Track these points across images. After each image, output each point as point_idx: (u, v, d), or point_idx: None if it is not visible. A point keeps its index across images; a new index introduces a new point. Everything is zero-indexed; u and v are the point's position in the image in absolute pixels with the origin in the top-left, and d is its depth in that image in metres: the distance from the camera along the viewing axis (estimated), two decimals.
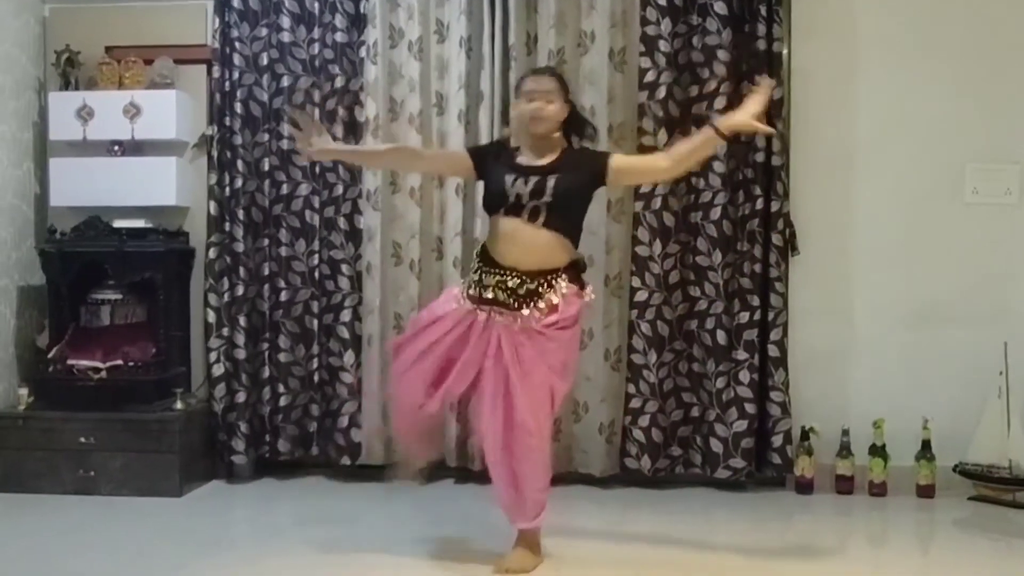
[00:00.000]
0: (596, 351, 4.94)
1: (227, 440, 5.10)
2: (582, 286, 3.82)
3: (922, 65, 4.99)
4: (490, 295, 3.71)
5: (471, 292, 3.78)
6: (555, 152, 3.82)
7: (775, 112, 4.84)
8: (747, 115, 3.65)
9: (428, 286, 5.01)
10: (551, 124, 3.81)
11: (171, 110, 5.11)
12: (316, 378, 5.11)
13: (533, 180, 3.71)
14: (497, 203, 3.76)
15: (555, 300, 3.69)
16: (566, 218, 3.75)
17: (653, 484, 5.00)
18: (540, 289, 3.69)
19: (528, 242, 3.70)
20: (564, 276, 3.74)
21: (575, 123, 3.91)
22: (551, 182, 3.69)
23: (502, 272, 3.72)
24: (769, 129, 3.75)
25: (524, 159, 3.83)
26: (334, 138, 5.01)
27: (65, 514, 4.55)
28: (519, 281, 3.69)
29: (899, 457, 4.88)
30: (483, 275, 3.75)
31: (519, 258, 3.71)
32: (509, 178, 3.73)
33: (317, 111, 5.01)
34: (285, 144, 5.09)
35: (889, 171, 5.01)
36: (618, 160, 3.85)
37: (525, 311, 3.67)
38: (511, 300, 3.68)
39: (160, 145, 5.18)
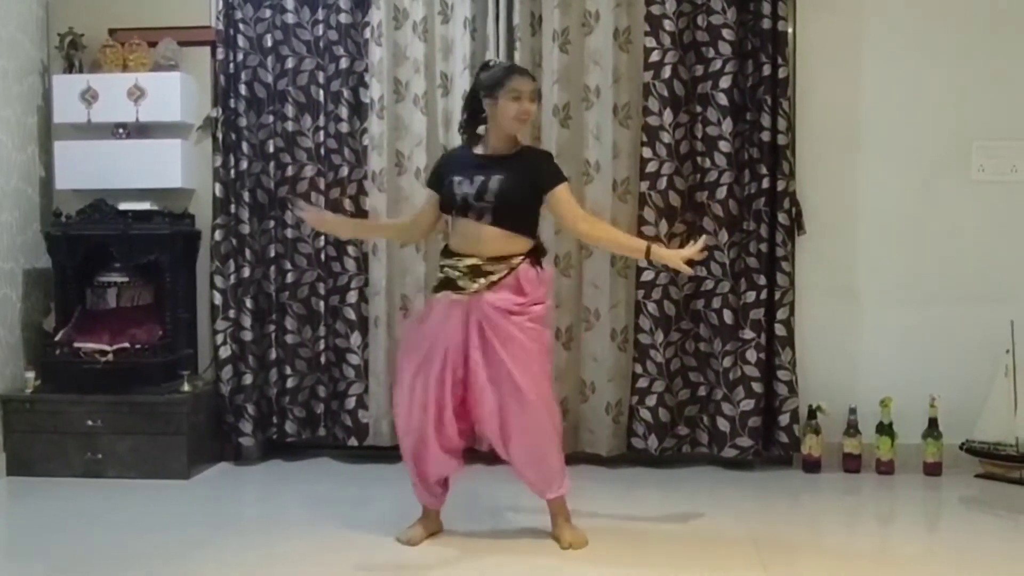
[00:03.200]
0: (603, 331, 4.94)
1: (234, 422, 5.11)
2: (539, 265, 3.88)
3: (927, 43, 4.97)
4: (461, 284, 3.75)
5: (440, 286, 3.83)
6: (512, 148, 3.86)
7: (781, 91, 4.84)
8: (678, 258, 3.76)
9: (434, 267, 4.96)
10: (526, 124, 3.88)
11: (175, 92, 5.10)
12: (323, 360, 5.12)
13: (478, 180, 3.77)
14: (449, 204, 3.84)
15: (521, 282, 3.76)
16: (511, 215, 3.78)
17: (660, 463, 5.01)
18: (504, 272, 3.74)
19: (477, 235, 3.76)
20: (526, 260, 3.80)
21: None
22: (493, 184, 3.75)
23: (462, 256, 3.79)
24: (688, 270, 3.83)
25: (478, 150, 3.88)
26: (338, 119, 5.05)
27: (73, 497, 4.57)
28: (478, 264, 3.74)
29: (906, 435, 4.88)
30: (448, 269, 3.81)
31: (476, 249, 3.77)
32: (456, 179, 3.81)
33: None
34: (290, 126, 5.09)
35: (895, 149, 5.00)
36: (559, 193, 3.82)
37: (495, 294, 3.73)
38: (478, 282, 3.73)
39: (165, 127, 5.17)
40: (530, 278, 3.79)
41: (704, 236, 3.88)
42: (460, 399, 3.82)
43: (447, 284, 3.80)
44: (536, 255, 3.86)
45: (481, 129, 3.91)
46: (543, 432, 3.78)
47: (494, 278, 3.73)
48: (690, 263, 3.83)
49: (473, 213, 3.76)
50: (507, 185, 3.75)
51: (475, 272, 3.74)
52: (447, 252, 3.87)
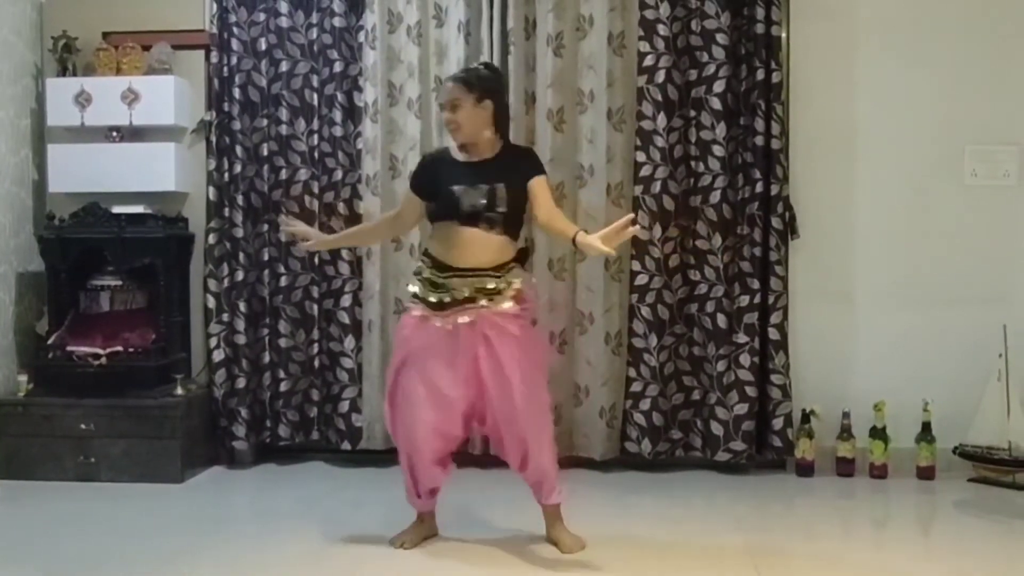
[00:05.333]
0: (597, 335, 4.94)
1: (228, 426, 5.11)
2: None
3: (921, 47, 4.98)
4: (459, 295, 3.73)
5: (431, 300, 3.78)
6: (492, 151, 3.85)
7: (774, 96, 4.85)
8: (600, 244, 3.55)
9: None
10: (467, 130, 3.80)
11: (169, 96, 5.10)
12: (316, 363, 5.12)
13: (484, 189, 3.74)
14: (450, 213, 3.77)
15: (519, 287, 3.78)
16: (516, 222, 3.83)
17: (654, 467, 5.01)
18: (502, 282, 3.75)
19: (475, 244, 3.75)
20: (517, 265, 3.84)
21: (501, 120, 3.88)
22: (501, 192, 3.74)
23: (462, 273, 3.75)
24: (612, 253, 3.67)
25: (465, 158, 3.86)
26: (332, 123, 5.04)
27: (66, 501, 4.55)
28: (479, 279, 3.73)
29: (899, 439, 4.89)
30: (437, 279, 3.78)
31: (474, 260, 3.75)
32: (458, 188, 3.76)
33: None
34: (284, 129, 5.09)
35: (888, 154, 5.01)
36: (536, 184, 3.81)
37: (505, 304, 3.73)
38: (481, 296, 3.73)
39: (159, 131, 5.17)
40: (528, 285, 3.84)
41: (631, 217, 3.66)
42: (467, 410, 3.82)
43: (441, 298, 3.76)
44: (524, 258, 3.90)
45: None
46: (548, 433, 3.82)
47: (497, 288, 3.73)
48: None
49: (484, 223, 3.73)
50: (510, 192, 3.75)
51: (480, 288, 3.72)
52: (440, 265, 3.79)
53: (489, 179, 3.76)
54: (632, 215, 3.70)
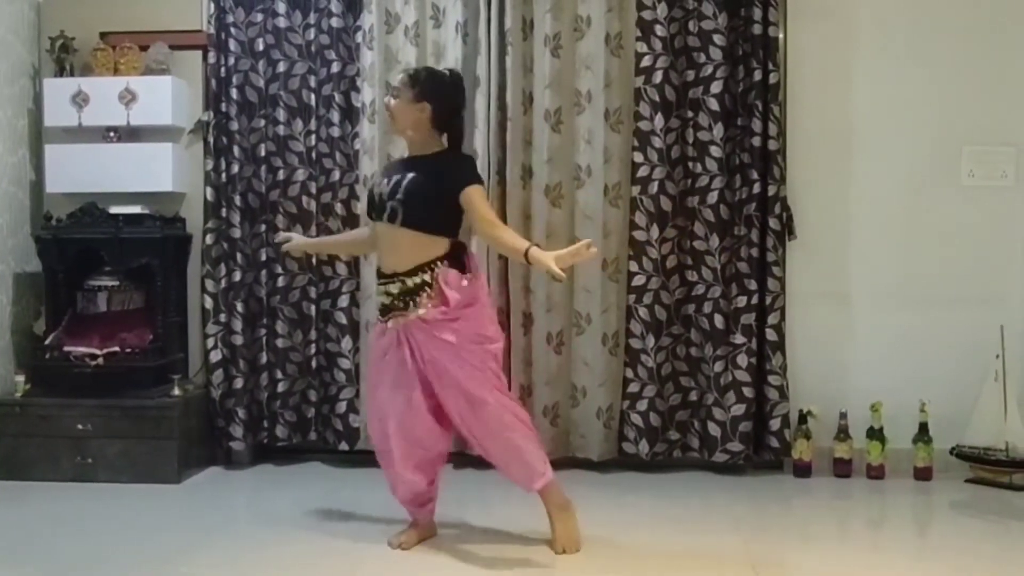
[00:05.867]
0: (594, 336, 4.94)
1: (225, 426, 5.10)
2: (462, 269, 3.79)
3: (918, 48, 4.99)
4: (387, 301, 3.77)
5: (381, 309, 3.85)
6: (429, 152, 3.84)
7: (772, 96, 4.85)
8: (553, 264, 3.49)
9: None
10: (399, 123, 3.83)
11: (167, 96, 5.09)
12: (314, 364, 5.11)
13: (394, 179, 3.77)
14: (370, 206, 3.85)
15: (443, 290, 3.71)
16: (422, 216, 3.73)
17: (651, 468, 5.01)
18: (422, 285, 3.72)
19: (393, 243, 3.76)
20: (444, 263, 3.75)
21: (445, 127, 3.85)
22: (404, 181, 3.74)
23: (387, 280, 3.78)
24: (561, 276, 3.56)
25: (401, 155, 3.93)
26: (329, 124, 5.05)
27: (63, 501, 4.55)
28: (401, 284, 3.74)
29: (897, 440, 4.89)
30: (381, 294, 3.83)
31: (395, 262, 3.77)
32: (377, 181, 3.85)
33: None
34: (281, 130, 5.09)
35: (886, 154, 5.01)
36: (470, 194, 3.72)
37: (420, 310, 3.71)
38: (401, 303, 3.74)
39: (156, 131, 5.16)
40: (450, 281, 3.72)
41: (589, 241, 3.60)
42: (434, 410, 3.82)
43: (384, 309, 3.81)
44: (457, 257, 3.81)
45: None
46: (509, 429, 3.76)
47: (418, 295, 3.72)
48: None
49: (387, 214, 3.74)
50: (416, 183, 3.72)
51: (403, 294, 3.73)
52: (378, 273, 3.86)
53: (404, 172, 3.78)
54: (590, 240, 3.61)
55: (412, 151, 3.88)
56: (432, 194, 3.73)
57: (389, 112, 3.87)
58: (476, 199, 3.73)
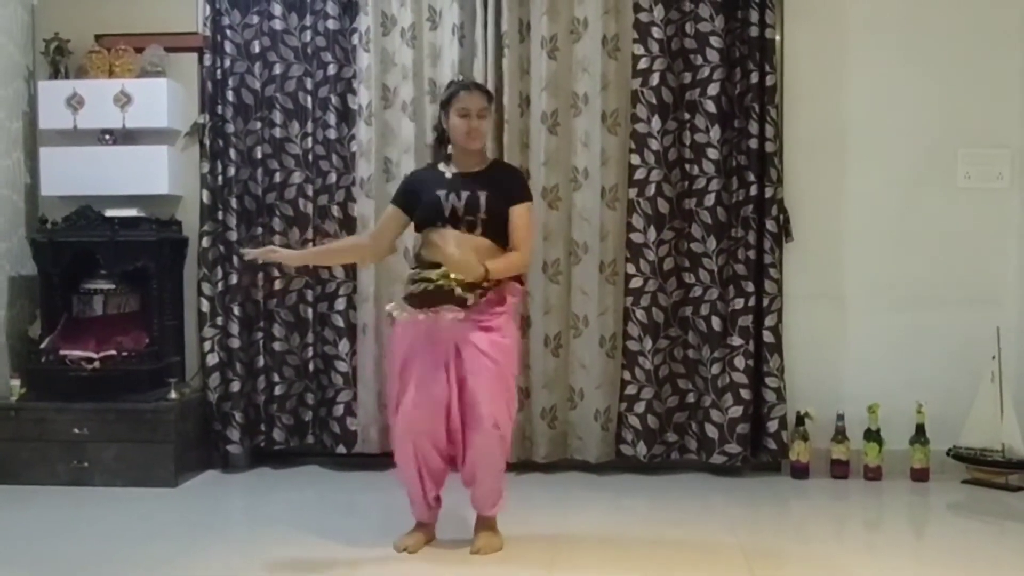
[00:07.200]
0: (591, 338, 4.94)
1: (222, 430, 5.09)
2: (519, 281, 3.93)
3: (914, 50, 5.00)
4: (437, 284, 3.72)
5: (414, 293, 3.78)
6: (483, 163, 3.95)
7: (768, 99, 4.86)
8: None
9: None
10: (485, 140, 3.97)
11: (162, 98, 5.08)
12: (311, 367, 5.10)
13: (465, 195, 3.82)
14: (433, 217, 3.84)
15: (505, 292, 3.80)
16: (498, 230, 3.84)
17: (649, 470, 5.02)
18: (483, 284, 3.74)
19: (459, 242, 3.74)
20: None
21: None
22: (483, 200, 3.81)
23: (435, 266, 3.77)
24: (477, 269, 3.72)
25: (453, 168, 3.93)
26: (326, 126, 5.04)
27: (59, 505, 4.53)
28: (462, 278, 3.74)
29: (893, 441, 4.90)
30: (421, 274, 3.79)
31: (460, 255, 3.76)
32: (442, 193, 3.85)
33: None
34: (277, 132, 5.08)
35: (882, 157, 5.02)
36: (519, 210, 3.87)
37: (470, 299, 3.72)
38: (456, 289, 3.71)
39: (152, 134, 5.15)
40: (513, 290, 3.85)
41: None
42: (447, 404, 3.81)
43: (435, 296, 3.74)
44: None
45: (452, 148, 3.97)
46: (494, 457, 3.79)
47: (475, 288, 3.72)
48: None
49: (464, 226, 3.79)
50: (495, 203, 3.82)
51: (460, 283, 3.71)
52: (423, 264, 3.81)
53: (472, 188, 3.84)
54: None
55: (468, 166, 3.91)
56: (506, 209, 3.84)
57: (478, 134, 3.88)
58: (524, 218, 3.88)
